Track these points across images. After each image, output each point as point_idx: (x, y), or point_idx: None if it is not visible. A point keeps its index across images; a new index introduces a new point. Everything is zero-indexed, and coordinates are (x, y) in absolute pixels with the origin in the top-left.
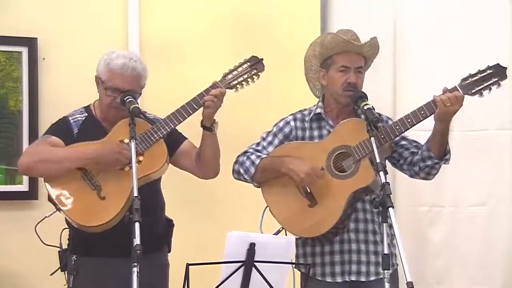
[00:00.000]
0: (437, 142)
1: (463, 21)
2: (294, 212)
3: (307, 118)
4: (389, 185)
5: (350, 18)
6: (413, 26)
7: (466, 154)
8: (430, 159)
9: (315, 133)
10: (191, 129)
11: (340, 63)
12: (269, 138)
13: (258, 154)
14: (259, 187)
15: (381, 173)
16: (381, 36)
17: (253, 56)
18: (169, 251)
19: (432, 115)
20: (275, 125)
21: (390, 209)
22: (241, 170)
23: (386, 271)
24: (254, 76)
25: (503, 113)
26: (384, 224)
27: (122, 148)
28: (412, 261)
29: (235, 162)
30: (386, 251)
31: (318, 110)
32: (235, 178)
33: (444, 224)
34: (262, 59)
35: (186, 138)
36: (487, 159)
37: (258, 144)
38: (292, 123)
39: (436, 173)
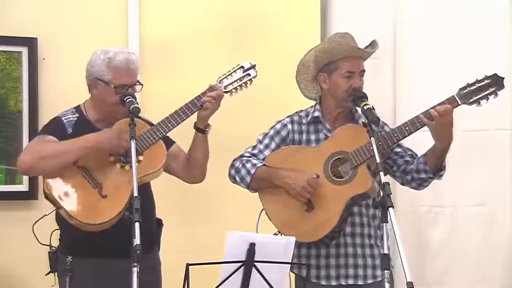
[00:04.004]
0: (435, 158)
1: (463, 22)
2: (291, 216)
3: (304, 121)
4: (389, 185)
5: (350, 19)
6: (413, 27)
7: (466, 154)
8: (425, 173)
9: (312, 136)
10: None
11: (345, 68)
12: (266, 141)
13: (254, 162)
14: (255, 192)
15: (381, 173)
16: (381, 37)
17: (246, 62)
18: (158, 250)
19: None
20: (272, 127)
21: (390, 209)
22: (237, 178)
23: (386, 271)
24: (247, 82)
25: (503, 114)
26: (384, 224)
27: (121, 134)
28: (412, 261)
29: (231, 166)
30: (386, 251)
31: (316, 114)
32: (232, 182)
33: (444, 224)
34: (255, 65)
35: (174, 142)
36: (487, 159)
37: (254, 147)
38: (289, 126)
39: (427, 185)
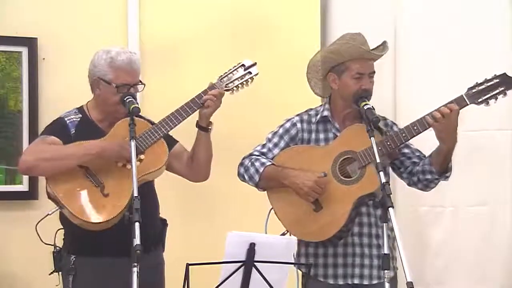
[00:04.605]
0: (440, 159)
1: (463, 21)
2: (299, 216)
3: (313, 120)
4: (389, 185)
5: (350, 19)
6: (413, 26)
7: (466, 154)
8: (431, 174)
9: (321, 135)
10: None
11: (355, 70)
12: (275, 140)
13: (263, 160)
14: (264, 191)
15: (381, 173)
16: (381, 36)
17: (247, 60)
18: (163, 250)
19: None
20: (281, 126)
21: (390, 209)
22: (246, 177)
23: (386, 271)
24: (248, 80)
25: (503, 113)
26: (384, 224)
27: (125, 144)
28: (412, 261)
29: (240, 165)
30: (386, 251)
31: (325, 113)
32: (241, 180)
33: (444, 224)
34: (255, 63)
35: (177, 141)
36: (487, 159)
37: (263, 146)
38: (299, 125)
39: (434, 187)
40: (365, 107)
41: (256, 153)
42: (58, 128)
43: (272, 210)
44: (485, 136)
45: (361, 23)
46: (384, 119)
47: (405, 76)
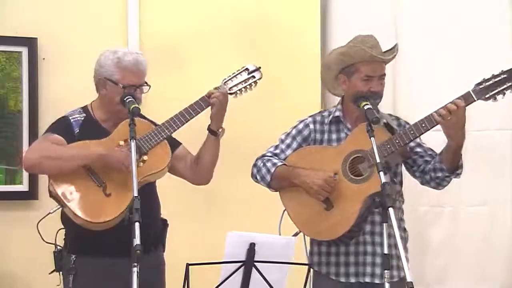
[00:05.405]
0: (450, 157)
1: (463, 21)
2: (310, 215)
3: (326, 120)
4: (388, 185)
5: (350, 19)
6: (413, 26)
7: (467, 154)
8: (441, 172)
9: (334, 136)
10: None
11: (364, 72)
12: (288, 141)
13: (275, 161)
14: (276, 191)
15: (381, 173)
16: (381, 36)
17: (251, 64)
18: (163, 251)
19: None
20: (294, 127)
21: (390, 209)
22: (258, 177)
23: (386, 271)
24: (252, 84)
25: (503, 113)
26: (385, 224)
27: (127, 158)
28: (412, 261)
29: (254, 166)
30: (386, 251)
31: (337, 114)
32: (254, 181)
33: (444, 224)
34: (259, 67)
35: (180, 143)
36: (488, 159)
37: (276, 147)
38: (312, 125)
39: (447, 185)
40: (365, 107)
41: (269, 154)
42: (62, 126)
43: (286, 212)
44: (485, 136)
45: (361, 23)
46: (397, 119)
47: (405, 76)
